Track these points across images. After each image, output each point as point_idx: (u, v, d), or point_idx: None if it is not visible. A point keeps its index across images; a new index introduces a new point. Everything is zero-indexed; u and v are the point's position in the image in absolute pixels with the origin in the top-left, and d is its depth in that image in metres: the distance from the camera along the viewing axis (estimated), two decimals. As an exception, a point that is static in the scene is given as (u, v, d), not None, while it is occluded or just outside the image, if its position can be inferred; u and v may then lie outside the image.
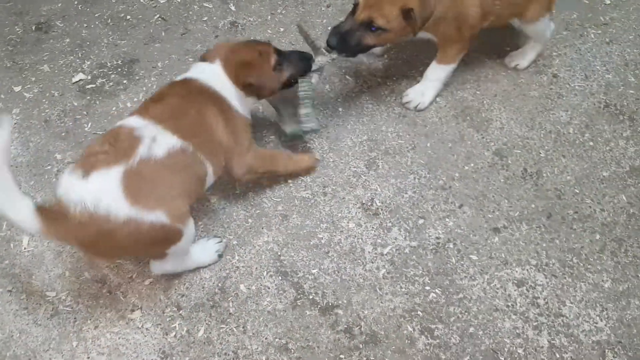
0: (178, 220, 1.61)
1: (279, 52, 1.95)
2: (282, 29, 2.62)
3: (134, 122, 1.66)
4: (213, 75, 1.86)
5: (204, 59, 1.94)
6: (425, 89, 2.29)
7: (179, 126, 1.66)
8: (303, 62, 1.99)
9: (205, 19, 2.68)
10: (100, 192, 1.49)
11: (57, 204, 1.52)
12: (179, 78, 1.90)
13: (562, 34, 2.57)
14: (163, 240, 1.62)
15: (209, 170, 1.75)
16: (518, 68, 2.43)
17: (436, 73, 2.26)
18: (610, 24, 2.63)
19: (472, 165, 2.16)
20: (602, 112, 2.31)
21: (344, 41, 1.95)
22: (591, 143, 2.22)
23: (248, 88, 1.89)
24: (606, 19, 2.65)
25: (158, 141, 1.60)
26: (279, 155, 2.11)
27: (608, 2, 2.72)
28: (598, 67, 2.46)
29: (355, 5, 1.94)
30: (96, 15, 2.70)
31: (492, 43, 2.51)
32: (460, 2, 2.02)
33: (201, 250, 1.89)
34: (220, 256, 1.92)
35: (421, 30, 1.97)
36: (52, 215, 1.50)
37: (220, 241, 1.93)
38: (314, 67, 2.02)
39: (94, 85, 2.43)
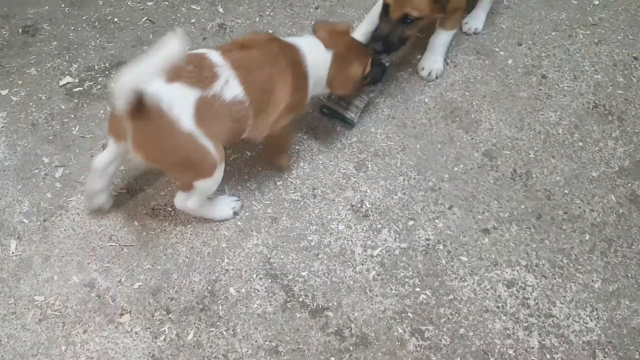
0: (219, 157, 1.75)
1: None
2: (270, 31, 2.61)
3: (217, 59, 1.74)
4: (319, 61, 1.95)
5: (316, 30, 2.01)
6: (436, 55, 2.40)
7: (248, 79, 1.76)
8: (381, 73, 2.14)
9: (193, 21, 2.66)
10: (176, 100, 1.62)
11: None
12: (287, 38, 1.96)
13: (550, 34, 2.58)
14: (201, 167, 1.75)
15: (246, 128, 1.84)
16: (476, 32, 2.56)
17: (443, 38, 2.36)
18: (598, 24, 2.64)
19: (461, 166, 2.16)
20: (591, 113, 2.32)
21: (388, 43, 2.12)
22: (580, 143, 2.23)
23: (340, 87, 2.04)
24: (595, 20, 2.66)
25: (229, 85, 1.72)
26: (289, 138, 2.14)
27: (597, 2, 2.73)
28: (587, 67, 2.47)
29: (386, 6, 2.07)
30: (83, 18, 2.68)
31: (480, 44, 2.51)
32: None
33: (219, 203, 2.00)
34: (235, 214, 2.02)
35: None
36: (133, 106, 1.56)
37: (238, 200, 2.03)
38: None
39: (81, 89, 2.41)
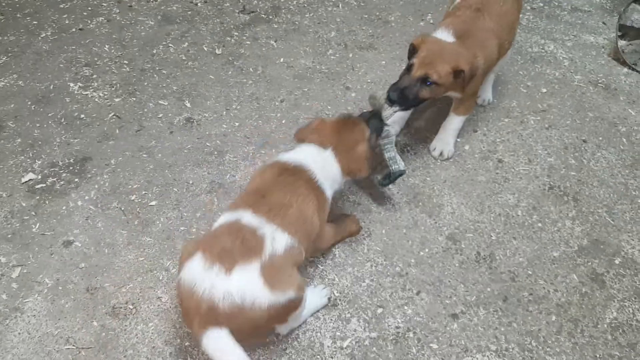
0: (302, 290, 1.76)
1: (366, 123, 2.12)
2: (237, 124, 2.69)
3: (252, 219, 1.75)
4: (326, 165, 1.98)
5: (303, 138, 2.05)
6: (448, 137, 2.54)
7: (287, 223, 1.78)
8: (380, 123, 2.17)
9: (160, 115, 2.72)
10: (244, 287, 1.61)
11: (198, 304, 1.61)
12: (286, 159, 1.96)
13: (504, 121, 2.72)
14: (290, 312, 1.76)
15: (303, 255, 1.85)
16: (489, 103, 2.78)
17: (456, 123, 2.52)
18: (548, 110, 2.80)
19: (427, 250, 2.18)
20: (547, 194, 2.40)
21: (403, 95, 2.19)
22: (540, 224, 2.29)
23: (359, 170, 2.05)
24: (544, 106, 2.82)
25: (277, 239, 1.73)
26: (336, 225, 2.16)
27: (544, 90, 2.91)
28: (540, 151, 2.58)
29: (410, 65, 2.19)
30: (49, 115, 2.71)
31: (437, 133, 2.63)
32: (489, 60, 2.33)
33: (313, 299, 1.98)
34: (329, 299, 2.03)
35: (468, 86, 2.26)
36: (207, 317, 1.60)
37: (325, 287, 2.05)
38: (386, 121, 2.22)
39: (44, 185, 2.40)
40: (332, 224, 2.10)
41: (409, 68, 2.20)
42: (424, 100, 2.25)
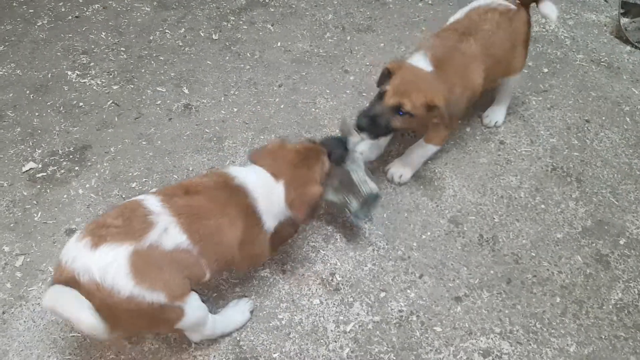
0: (178, 299, 1.59)
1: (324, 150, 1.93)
2: (235, 109, 2.67)
3: (153, 205, 1.62)
4: (272, 198, 1.79)
5: (256, 161, 1.86)
6: (410, 163, 2.34)
7: (193, 228, 1.62)
8: (344, 153, 2.01)
9: (158, 102, 2.71)
10: (107, 266, 1.48)
11: (61, 272, 1.50)
12: (235, 174, 1.79)
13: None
14: (165, 319, 1.60)
15: (206, 273, 1.69)
16: (497, 125, 2.58)
17: (424, 151, 2.31)
18: (549, 90, 2.77)
19: (429, 234, 2.17)
20: (550, 175, 2.39)
21: (373, 123, 2.05)
22: (543, 206, 2.28)
23: (302, 220, 1.86)
24: (546, 86, 2.79)
25: (169, 233, 1.58)
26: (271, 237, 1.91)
27: (546, 70, 2.88)
28: (542, 132, 2.56)
29: (383, 93, 2.05)
30: (48, 103, 2.70)
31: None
32: (472, 87, 2.19)
33: (234, 313, 1.90)
34: (251, 312, 1.94)
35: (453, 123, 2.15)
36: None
37: (249, 300, 1.96)
38: (353, 147, 2.07)
39: (44, 174, 2.39)
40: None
41: (380, 95, 2.07)
42: (395, 130, 2.12)
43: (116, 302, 1.48)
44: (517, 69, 2.41)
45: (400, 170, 2.33)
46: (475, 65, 2.17)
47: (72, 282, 1.47)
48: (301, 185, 1.81)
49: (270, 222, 1.80)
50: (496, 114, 2.58)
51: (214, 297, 1.98)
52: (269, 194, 1.79)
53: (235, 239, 1.71)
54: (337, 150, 1.98)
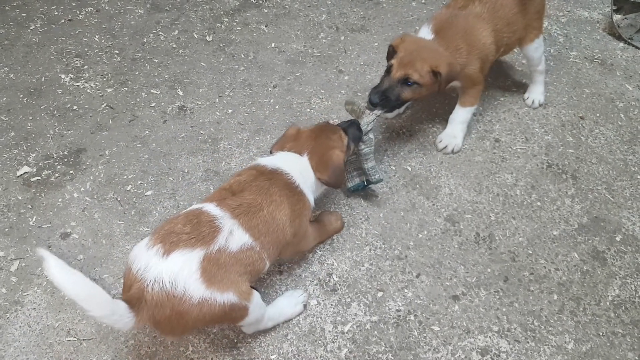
0: (246, 298, 1.66)
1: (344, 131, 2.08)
2: (230, 111, 2.66)
3: (215, 211, 1.69)
4: (303, 170, 1.93)
5: (280, 149, 1.99)
6: (455, 132, 2.45)
7: (252, 225, 1.71)
8: (358, 131, 2.12)
9: (153, 104, 2.70)
10: (178, 273, 1.53)
11: (132, 282, 1.54)
12: (265, 163, 1.91)
13: (499, 99, 2.69)
14: (232, 317, 1.67)
15: (266, 264, 1.78)
16: (540, 104, 2.66)
17: (462, 115, 2.43)
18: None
19: (425, 232, 2.17)
20: (545, 173, 2.39)
21: (385, 98, 2.16)
22: (539, 203, 2.28)
23: (330, 181, 1.98)
24: (540, 84, 2.79)
25: (234, 235, 1.66)
26: (319, 225, 2.12)
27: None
28: (537, 129, 2.57)
29: (390, 67, 2.16)
30: (42, 107, 2.68)
31: (434, 112, 2.60)
32: (480, 46, 2.25)
33: (286, 305, 1.93)
34: (305, 306, 1.96)
35: (446, 86, 2.21)
36: (135, 301, 1.52)
37: (304, 292, 1.99)
38: (366, 128, 2.15)
39: (39, 178, 2.38)
40: (315, 224, 2.07)
41: (388, 70, 2.17)
42: (406, 100, 2.21)
43: (186, 309, 1.53)
44: (531, 37, 2.46)
45: (451, 141, 2.44)
46: (480, 25, 2.25)
47: (141, 294, 1.51)
48: (322, 151, 1.96)
49: (309, 195, 1.93)
50: (534, 93, 2.67)
51: (211, 299, 1.97)
52: (300, 170, 1.92)
53: (286, 218, 1.81)
54: (351, 130, 2.09)
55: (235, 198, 1.75)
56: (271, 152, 2.02)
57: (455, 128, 2.45)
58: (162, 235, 1.59)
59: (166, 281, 1.50)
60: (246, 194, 1.77)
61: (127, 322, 1.50)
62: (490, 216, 2.23)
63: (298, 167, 1.92)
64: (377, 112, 2.16)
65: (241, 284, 1.65)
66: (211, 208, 1.70)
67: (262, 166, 1.89)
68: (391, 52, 2.20)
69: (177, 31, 3.13)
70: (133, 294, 1.52)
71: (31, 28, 3.16)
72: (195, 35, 3.11)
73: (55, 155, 2.47)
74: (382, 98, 2.14)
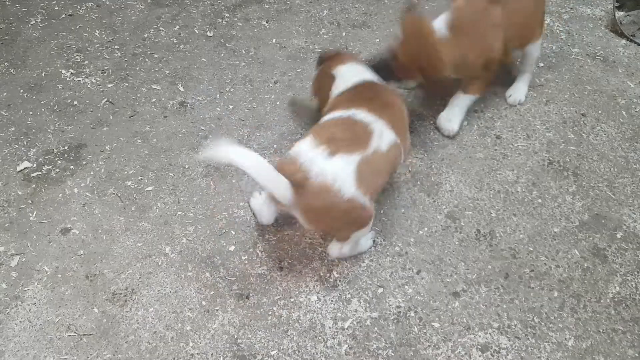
0: (372, 207, 1.88)
1: None
2: (231, 106, 2.65)
3: (365, 116, 1.89)
4: None
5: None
6: (451, 115, 2.49)
7: (393, 122, 1.93)
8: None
9: (153, 100, 2.69)
10: (339, 171, 1.74)
11: (295, 170, 1.74)
12: (362, 79, 2.11)
13: (500, 96, 2.68)
14: (360, 222, 1.89)
15: (403, 156, 2.04)
16: (520, 103, 2.67)
17: (462, 100, 2.47)
18: (545, 85, 2.77)
19: (426, 229, 2.17)
20: (546, 170, 2.38)
21: (383, 65, 2.26)
22: (540, 200, 2.27)
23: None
24: (541, 81, 2.79)
25: (384, 136, 1.88)
26: None
27: (541, 64, 2.87)
28: (538, 126, 2.56)
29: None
30: (42, 102, 2.68)
31: (437, 110, 2.60)
32: (488, 46, 2.28)
33: (364, 239, 2.09)
34: (374, 241, 2.13)
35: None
36: (296, 185, 1.72)
37: (373, 231, 2.15)
38: None
39: (39, 173, 2.37)
40: None
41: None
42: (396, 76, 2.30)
43: (336, 202, 1.75)
44: (537, 34, 2.50)
45: (446, 124, 2.49)
46: (495, 34, 2.28)
47: (303, 180, 1.72)
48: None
49: None
50: (518, 92, 2.68)
51: (212, 295, 1.97)
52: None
53: (404, 109, 2.08)
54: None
55: (373, 102, 1.95)
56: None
57: (452, 111, 2.47)
58: (325, 137, 1.80)
59: (328, 176, 1.72)
60: (379, 98, 1.99)
61: (286, 196, 1.71)
62: (491, 213, 2.22)
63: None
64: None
65: (378, 189, 1.93)
66: (362, 115, 1.89)
67: (365, 81, 2.11)
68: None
69: (178, 26, 3.13)
70: (297, 179, 1.71)
71: (31, 23, 3.15)
72: (196, 31, 3.10)
73: (55, 150, 2.47)
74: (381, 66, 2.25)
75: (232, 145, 1.62)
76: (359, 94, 2.02)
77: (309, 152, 1.77)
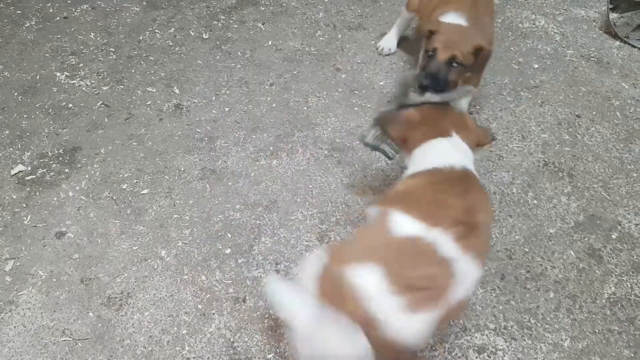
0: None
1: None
2: (227, 109, 2.65)
3: (449, 248, 1.44)
4: (464, 152, 1.76)
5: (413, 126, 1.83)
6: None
7: (479, 250, 1.50)
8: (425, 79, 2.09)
9: (149, 102, 2.68)
10: (416, 332, 1.38)
11: (365, 320, 1.35)
12: (441, 164, 1.68)
13: (496, 98, 2.69)
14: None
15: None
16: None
17: (462, 93, 2.41)
18: (540, 86, 2.78)
19: (422, 231, 2.17)
20: (542, 171, 2.39)
21: (436, 80, 2.13)
22: (535, 201, 2.28)
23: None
24: (536, 82, 2.79)
25: (467, 277, 1.44)
26: None
27: (536, 66, 2.88)
28: (533, 127, 2.57)
29: (434, 50, 2.15)
30: (37, 105, 2.67)
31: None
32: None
33: None
34: None
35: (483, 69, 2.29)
36: (363, 326, 1.35)
37: None
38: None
39: (34, 176, 2.36)
40: None
41: (430, 55, 2.16)
42: (452, 83, 2.17)
43: (391, 347, 1.37)
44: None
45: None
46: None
47: (373, 333, 1.35)
48: (469, 123, 1.87)
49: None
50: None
51: (208, 299, 1.97)
52: (465, 154, 1.76)
53: (490, 216, 1.70)
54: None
55: (456, 218, 1.49)
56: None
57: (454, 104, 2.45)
58: (405, 285, 1.37)
59: (402, 335, 1.36)
60: (449, 205, 1.53)
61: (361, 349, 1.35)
62: (487, 214, 2.23)
63: (460, 155, 1.73)
64: (428, 95, 2.12)
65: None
66: (447, 246, 1.44)
67: (444, 168, 1.67)
68: (428, 37, 2.20)
69: (173, 29, 3.12)
70: (362, 324, 1.34)
71: (26, 25, 3.14)
72: (192, 33, 3.09)
73: (50, 153, 2.46)
74: (432, 82, 2.12)
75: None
76: (442, 198, 1.57)
77: (383, 302, 1.35)
